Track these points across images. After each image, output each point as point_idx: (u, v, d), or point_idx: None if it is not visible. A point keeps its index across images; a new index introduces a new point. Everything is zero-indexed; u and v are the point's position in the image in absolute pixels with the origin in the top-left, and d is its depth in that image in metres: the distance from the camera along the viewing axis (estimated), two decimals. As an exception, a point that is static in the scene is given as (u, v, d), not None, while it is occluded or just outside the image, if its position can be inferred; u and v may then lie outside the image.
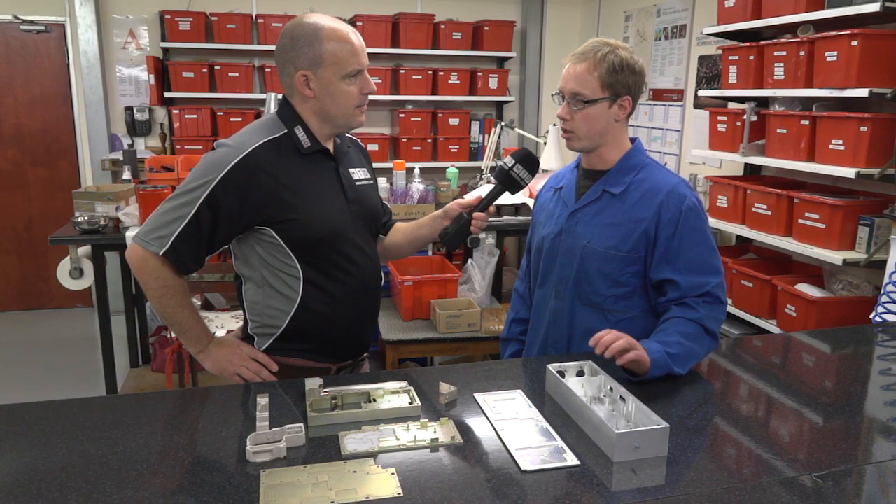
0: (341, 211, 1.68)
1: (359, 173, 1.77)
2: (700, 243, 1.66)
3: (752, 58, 3.39)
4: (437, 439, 1.29)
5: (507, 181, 1.75)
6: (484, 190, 2.99)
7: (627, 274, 1.69)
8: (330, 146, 1.70)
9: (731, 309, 3.34)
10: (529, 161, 1.75)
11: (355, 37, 1.61)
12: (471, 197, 1.80)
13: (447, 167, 4.62)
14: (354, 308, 1.74)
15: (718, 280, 1.65)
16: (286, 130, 1.63)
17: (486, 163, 4.62)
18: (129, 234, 3.28)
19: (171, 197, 1.59)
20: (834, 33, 2.86)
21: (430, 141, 5.51)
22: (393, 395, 1.45)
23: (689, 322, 1.60)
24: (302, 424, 1.28)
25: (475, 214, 1.74)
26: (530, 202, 3.72)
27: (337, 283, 1.68)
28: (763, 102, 3.47)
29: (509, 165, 1.74)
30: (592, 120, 1.67)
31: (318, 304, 1.67)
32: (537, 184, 4.01)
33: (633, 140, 1.76)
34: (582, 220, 1.73)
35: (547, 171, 4.19)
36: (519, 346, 1.97)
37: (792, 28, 3.21)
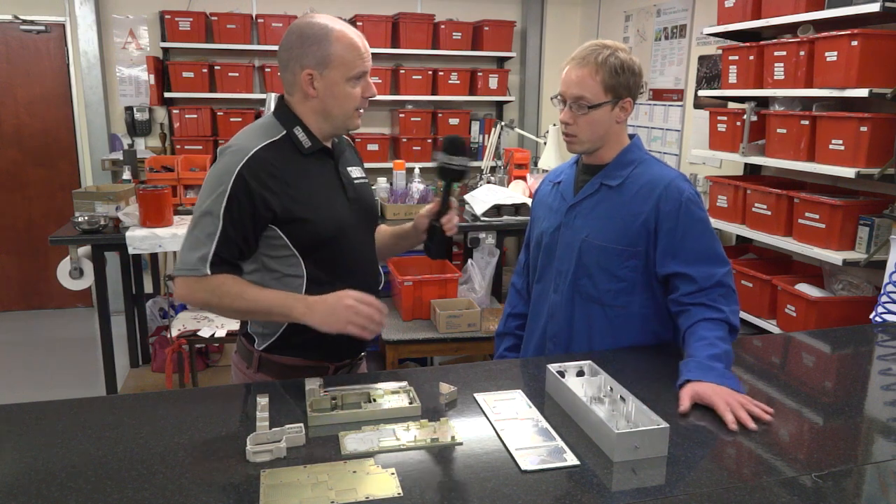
0: (344, 209, 1.68)
1: (356, 172, 1.78)
2: (704, 233, 1.66)
3: (752, 58, 3.39)
4: (437, 439, 1.29)
5: (449, 174, 1.74)
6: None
7: (626, 268, 1.69)
8: (329, 145, 1.71)
9: (731, 309, 3.33)
10: (455, 147, 1.72)
11: (361, 41, 1.63)
12: (432, 204, 1.80)
13: (447, 167, 4.62)
14: None
15: (727, 269, 1.66)
16: (284, 132, 1.63)
17: (486, 163, 4.62)
18: (129, 233, 3.28)
19: (193, 221, 1.57)
20: (834, 33, 2.86)
21: (430, 141, 5.50)
22: (393, 395, 1.45)
23: (718, 323, 1.60)
24: (302, 424, 1.28)
25: (443, 220, 1.74)
26: (530, 202, 3.71)
27: (340, 281, 1.67)
28: (763, 102, 3.47)
29: (442, 161, 1.73)
30: (596, 124, 1.67)
31: None
32: (537, 182, 4.01)
33: (631, 136, 1.77)
34: (580, 213, 1.74)
35: (547, 171, 4.19)
36: (515, 340, 1.97)
37: (792, 28, 3.21)
